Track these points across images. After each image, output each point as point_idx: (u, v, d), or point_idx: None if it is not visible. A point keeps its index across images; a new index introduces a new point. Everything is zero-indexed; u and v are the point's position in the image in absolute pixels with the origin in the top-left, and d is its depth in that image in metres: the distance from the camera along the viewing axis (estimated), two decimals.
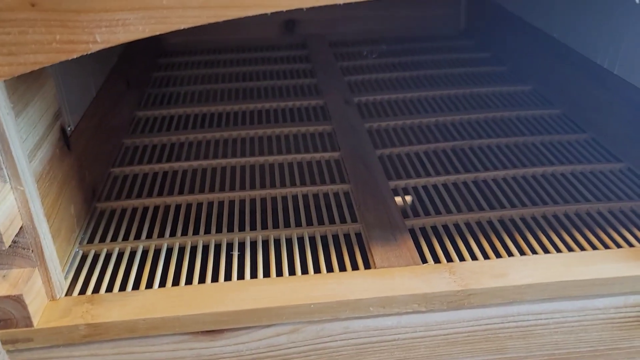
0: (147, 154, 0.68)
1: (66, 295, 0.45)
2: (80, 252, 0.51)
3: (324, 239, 0.52)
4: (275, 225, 0.54)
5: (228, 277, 0.47)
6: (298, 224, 0.54)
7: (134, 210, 0.57)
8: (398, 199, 0.57)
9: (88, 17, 0.31)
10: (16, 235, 0.40)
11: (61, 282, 0.44)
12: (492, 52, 0.95)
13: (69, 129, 0.52)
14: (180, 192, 0.60)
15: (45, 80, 0.46)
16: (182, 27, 0.31)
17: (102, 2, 0.31)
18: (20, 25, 0.31)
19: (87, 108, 0.59)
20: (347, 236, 0.52)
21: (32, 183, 0.40)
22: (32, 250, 0.41)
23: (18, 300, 0.39)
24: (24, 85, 0.41)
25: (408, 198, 0.58)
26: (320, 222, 0.54)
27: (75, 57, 0.32)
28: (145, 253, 0.51)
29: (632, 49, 0.61)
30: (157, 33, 0.32)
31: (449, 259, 0.48)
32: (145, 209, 0.57)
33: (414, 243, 0.50)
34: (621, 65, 0.63)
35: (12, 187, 0.38)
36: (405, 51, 0.97)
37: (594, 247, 0.49)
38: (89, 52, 0.32)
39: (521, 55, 0.86)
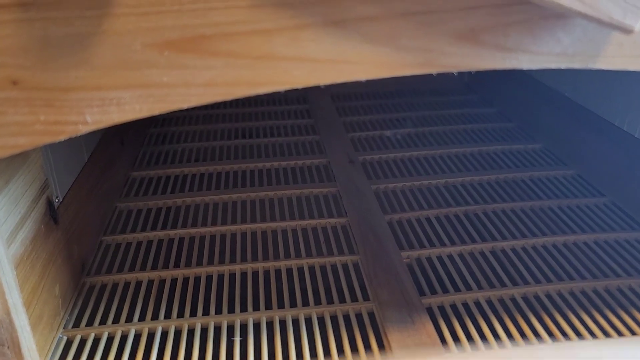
0: (141, 219, 0.63)
1: None
2: (65, 338, 0.46)
3: (333, 318, 0.48)
4: (281, 305, 0.49)
5: None
6: (305, 302, 0.49)
7: (126, 284, 0.53)
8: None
9: (78, 96, 0.28)
10: None
11: None
12: (497, 108, 0.92)
13: (56, 200, 0.48)
14: (176, 265, 0.55)
15: (31, 151, 0.42)
16: (184, 107, 0.28)
17: (95, 79, 0.28)
18: None
19: (78, 174, 0.55)
20: (359, 316, 0.48)
21: (11, 271, 0.36)
22: (8, 347, 0.36)
23: None
24: (6, 159, 0.37)
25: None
26: (330, 301, 0.49)
27: (62, 139, 0.28)
28: (137, 337, 0.46)
29: None
30: (156, 113, 0.28)
31: (472, 342, 0.44)
32: (139, 284, 0.53)
33: (433, 324, 0.46)
34: None
35: None
36: (409, 105, 0.95)
37: (632, 331, 0.45)
38: (79, 134, 0.28)
39: (528, 111, 0.84)
